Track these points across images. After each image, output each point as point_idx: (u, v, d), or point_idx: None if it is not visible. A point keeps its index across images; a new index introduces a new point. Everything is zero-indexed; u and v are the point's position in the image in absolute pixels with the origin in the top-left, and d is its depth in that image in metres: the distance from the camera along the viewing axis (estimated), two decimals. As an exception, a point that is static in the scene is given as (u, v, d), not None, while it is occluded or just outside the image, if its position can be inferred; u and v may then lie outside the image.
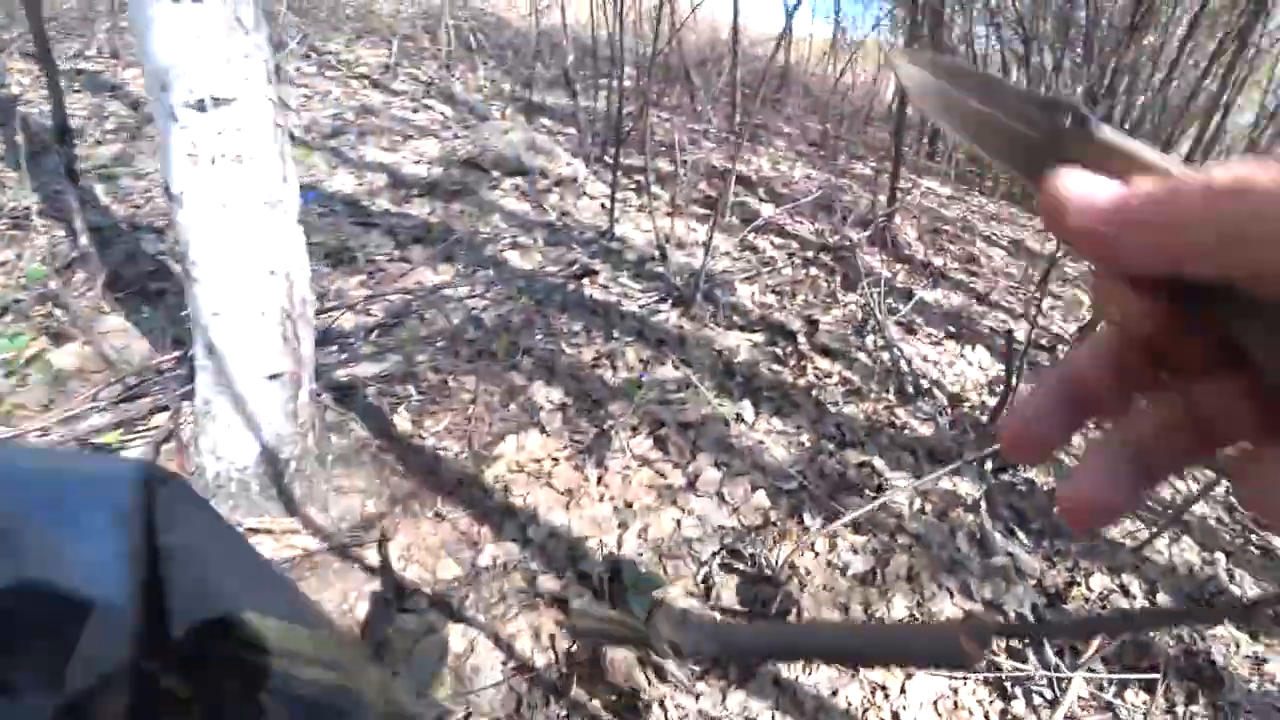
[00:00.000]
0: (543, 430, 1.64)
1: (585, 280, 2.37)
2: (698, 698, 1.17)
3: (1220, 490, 1.95)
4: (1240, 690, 1.46)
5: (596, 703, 1.13)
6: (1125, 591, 1.63)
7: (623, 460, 1.60)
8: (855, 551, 1.55)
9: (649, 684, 1.16)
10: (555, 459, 1.57)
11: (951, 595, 1.52)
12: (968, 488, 1.86)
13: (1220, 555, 1.82)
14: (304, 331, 1.28)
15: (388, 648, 1.15)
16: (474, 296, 2.12)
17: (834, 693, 1.24)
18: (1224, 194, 0.17)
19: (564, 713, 1.11)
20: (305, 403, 1.33)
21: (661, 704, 1.14)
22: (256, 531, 1.30)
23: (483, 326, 1.99)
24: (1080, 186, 0.20)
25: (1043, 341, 2.67)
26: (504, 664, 1.16)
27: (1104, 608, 1.59)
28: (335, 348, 1.80)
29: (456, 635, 1.19)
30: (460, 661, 1.16)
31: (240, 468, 1.29)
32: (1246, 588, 1.73)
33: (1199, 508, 1.93)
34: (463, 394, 1.71)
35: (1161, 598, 1.64)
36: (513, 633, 1.21)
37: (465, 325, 1.98)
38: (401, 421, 1.62)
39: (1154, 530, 1.76)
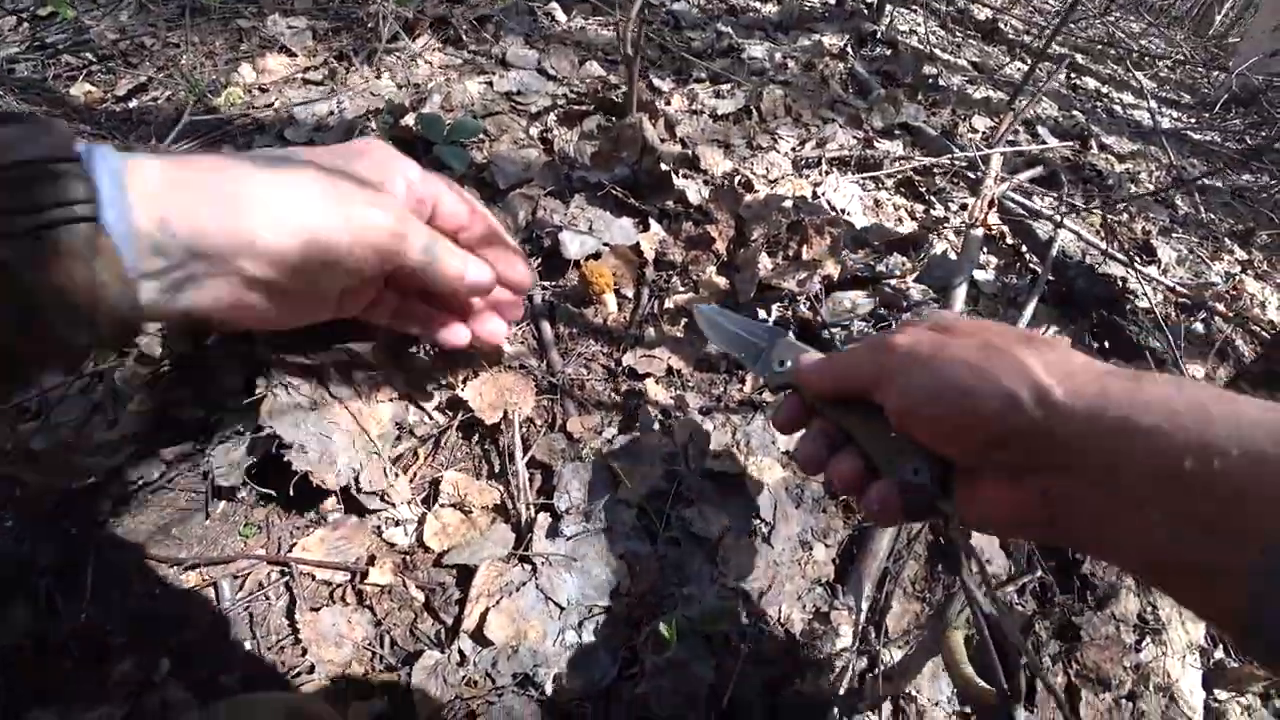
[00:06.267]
0: (287, 52, 1.20)
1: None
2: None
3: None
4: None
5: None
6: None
7: (406, 52, 1.21)
8: (721, 97, 1.27)
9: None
10: (313, 67, 1.16)
11: (842, 127, 1.29)
12: (832, 40, 1.62)
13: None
14: None
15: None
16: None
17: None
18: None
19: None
20: None
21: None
22: None
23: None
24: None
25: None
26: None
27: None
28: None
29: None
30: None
31: None
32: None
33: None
34: (167, 50, 1.23)
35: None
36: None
37: None
38: (80, 89, 1.13)
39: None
